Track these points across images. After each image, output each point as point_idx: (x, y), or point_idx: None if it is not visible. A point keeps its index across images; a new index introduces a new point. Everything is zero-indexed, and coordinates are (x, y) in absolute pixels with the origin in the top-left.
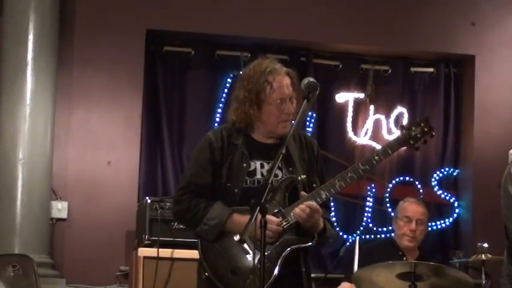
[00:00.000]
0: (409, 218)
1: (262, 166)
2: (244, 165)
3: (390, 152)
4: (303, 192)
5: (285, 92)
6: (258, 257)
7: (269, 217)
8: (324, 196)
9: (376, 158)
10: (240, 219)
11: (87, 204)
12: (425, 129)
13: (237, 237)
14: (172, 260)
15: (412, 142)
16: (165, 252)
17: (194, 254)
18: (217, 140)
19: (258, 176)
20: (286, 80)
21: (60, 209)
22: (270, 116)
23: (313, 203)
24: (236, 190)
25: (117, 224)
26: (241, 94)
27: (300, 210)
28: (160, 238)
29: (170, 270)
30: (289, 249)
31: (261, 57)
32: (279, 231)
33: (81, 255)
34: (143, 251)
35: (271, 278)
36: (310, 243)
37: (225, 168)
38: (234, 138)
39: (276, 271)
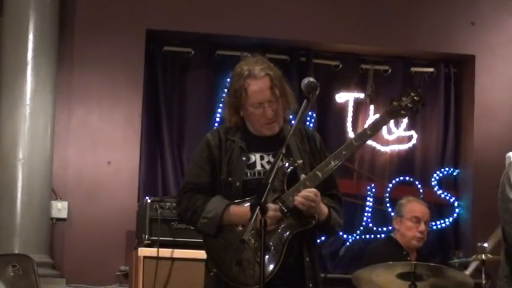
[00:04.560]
0: (418, 218)
1: (262, 158)
2: (244, 158)
3: (382, 124)
4: (302, 175)
5: (259, 98)
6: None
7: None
8: (320, 176)
9: (368, 132)
10: (238, 209)
11: (87, 204)
12: (416, 98)
13: (240, 228)
14: (172, 259)
15: (403, 112)
16: (165, 252)
17: (194, 254)
18: (214, 139)
19: (258, 167)
20: (263, 84)
21: (60, 209)
22: (250, 119)
23: (311, 189)
24: (238, 184)
25: (117, 224)
26: (227, 97)
27: (301, 198)
28: (160, 238)
29: (170, 270)
30: (288, 233)
31: (252, 56)
32: (278, 216)
33: (81, 255)
34: (143, 251)
35: (277, 266)
36: (311, 225)
37: (225, 164)
38: (231, 135)
39: (281, 258)
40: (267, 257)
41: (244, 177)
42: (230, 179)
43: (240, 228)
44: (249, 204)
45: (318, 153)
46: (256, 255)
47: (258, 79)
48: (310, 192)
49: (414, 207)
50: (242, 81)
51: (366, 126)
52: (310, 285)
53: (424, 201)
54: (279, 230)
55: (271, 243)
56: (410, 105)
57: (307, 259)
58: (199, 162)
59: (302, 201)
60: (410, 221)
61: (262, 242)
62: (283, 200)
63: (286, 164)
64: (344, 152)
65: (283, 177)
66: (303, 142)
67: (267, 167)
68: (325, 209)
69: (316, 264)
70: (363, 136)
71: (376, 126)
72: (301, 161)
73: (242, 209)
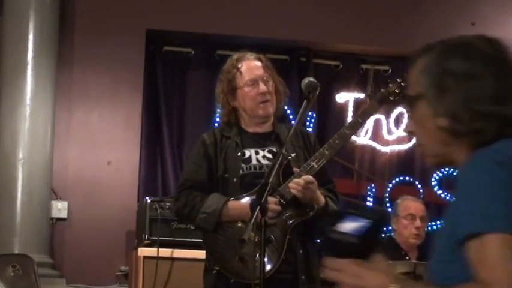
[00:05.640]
0: (413, 215)
1: (256, 153)
2: (239, 154)
3: (372, 111)
4: (295, 168)
5: (254, 73)
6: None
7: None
8: (315, 166)
9: (359, 120)
10: (237, 204)
11: (87, 204)
12: (403, 84)
13: (240, 224)
14: (172, 259)
15: (391, 98)
16: (165, 252)
17: (194, 253)
18: (210, 137)
19: (254, 162)
20: (255, 63)
21: (60, 208)
22: (246, 100)
23: (306, 175)
24: (235, 179)
25: (117, 224)
26: (219, 88)
27: (294, 183)
28: (160, 238)
29: (170, 270)
30: (292, 221)
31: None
32: (277, 209)
33: (81, 255)
34: (143, 251)
35: (280, 258)
36: (309, 215)
37: (221, 161)
38: (227, 132)
39: (284, 250)
40: (269, 249)
41: (240, 172)
42: (227, 175)
43: (240, 225)
44: (247, 199)
45: (312, 149)
46: (257, 251)
47: (250, 60)
48: (305, 178)
49: (408, 204)
50: (235, 63)
51: (357, 115)
52: (303, 277)
53: (424, 201)
54: (280, 223)
55: (272, 236)
56: (397, 91)
57: (301, 251)
58: (196, 160)
59: (296, 187)
60: (406, 219)
61: (262, 242)
62: (281, 192)
63: (280, 158)
64: (337, 142)
65: (278, 170)
66: (298, 139)
67: (262, 161)
68: (321, 198)
69: (313, 259)
70: (354, 124)
71: (366, 114)
72: (295, 154)
73: (241, 204)
